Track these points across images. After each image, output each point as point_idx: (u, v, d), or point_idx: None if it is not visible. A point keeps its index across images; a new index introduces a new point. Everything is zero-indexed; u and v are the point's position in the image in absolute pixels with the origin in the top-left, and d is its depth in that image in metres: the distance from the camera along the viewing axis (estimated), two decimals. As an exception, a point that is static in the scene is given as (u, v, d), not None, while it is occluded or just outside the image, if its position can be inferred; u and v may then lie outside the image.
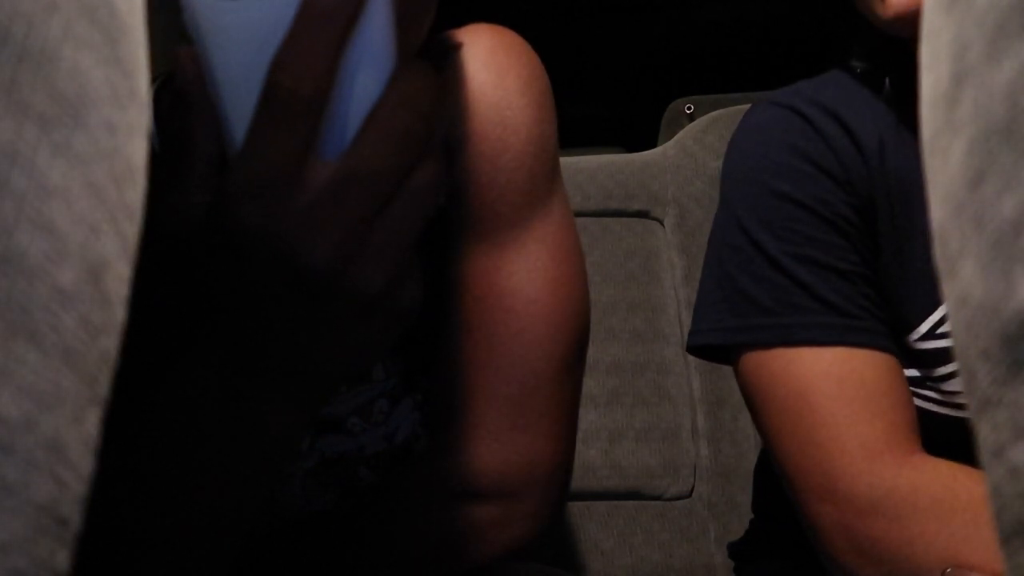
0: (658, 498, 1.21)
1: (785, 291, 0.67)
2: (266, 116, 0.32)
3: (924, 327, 0.68)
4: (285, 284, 0.34)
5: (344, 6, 0.32)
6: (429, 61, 0.35)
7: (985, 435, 0.18)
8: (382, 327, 0.36)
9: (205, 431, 0.39)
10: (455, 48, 0.58)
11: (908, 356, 0.69)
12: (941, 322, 0.67)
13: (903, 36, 0.63)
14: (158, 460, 0.40)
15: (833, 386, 0.64)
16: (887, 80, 0.69)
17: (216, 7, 0.32)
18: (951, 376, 0.68)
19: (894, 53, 0.68)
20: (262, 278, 0.34)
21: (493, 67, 0.57)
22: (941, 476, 0.61)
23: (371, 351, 0.38)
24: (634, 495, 1.21)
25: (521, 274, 0.57)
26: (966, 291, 0.18)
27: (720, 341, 0.71)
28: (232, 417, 0.38)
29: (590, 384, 1.23)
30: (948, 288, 0.19)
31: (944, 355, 0.68)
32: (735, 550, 0.98)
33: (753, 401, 0.70)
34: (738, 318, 0.70)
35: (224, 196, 0.33)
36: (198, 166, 0.37)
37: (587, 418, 1.21)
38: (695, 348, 0.75)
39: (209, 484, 0.40)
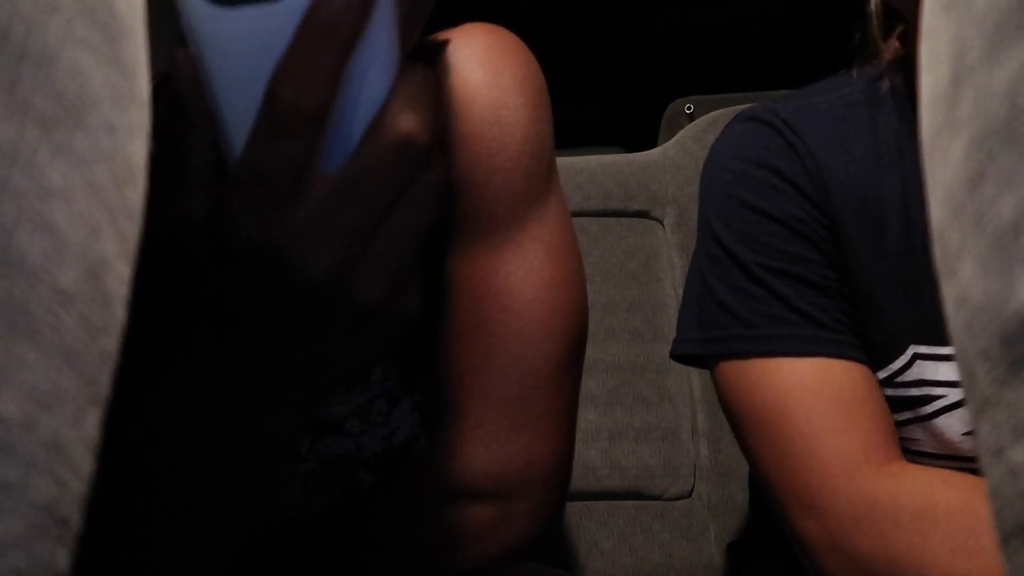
0: (658, 498, 1.21)
1: (762, 302, 0.67)
2: (266, 128, 0.32)
3: (883, 374, 0.68)
4: (283, 294, 0.34)
5: (349, 17, 0.31)
6: (424, 61, 0.35)
7: (985, 435, 0.18)
8: (381, 335, 0.36)
9: (203, 434, 0.39)
10: (450, 48, 0.58)
11: None
12: (902, 371, 0.67)
13: None
14: (157, 462, 0.40)
15: (809, 397, 0.64)
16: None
17: (215, 15, 0.31)
18: (902, 425, 0.68)
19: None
20: (260, 288, 0.34)
21: (489, 67, 0.57)
22: (919, 486, 0.61)
23: (369, 357, 0.38)
24: (634, 495, 1.21)
25: (519, 274, 0.57)
26: (966, 291, 0.18)
27: (699, 351, 0.72)
28: (230, 421, 0.38)
29: (590, 384, 1.23)
30: (948, 288, 0.19)
31: (900, 403, 0.68)
32: (735, 550, 0.98)
33: (731, 412, 0.70)
34: (716, 329, 0.70)
35: (222, 205, 0.33)
36: (195, 172, 0.37)
37: (587, 418, 1.21)
38: (678, 356, 0.75)
39: (207, 486, 0.40)
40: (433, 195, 0.34)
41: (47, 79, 0.18)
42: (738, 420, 0.69)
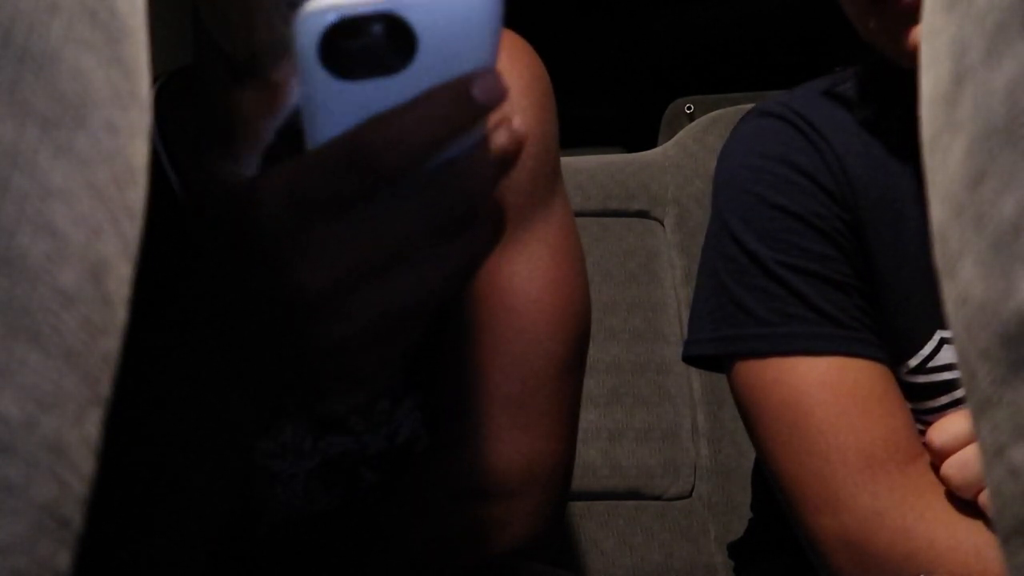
0: (658, 498, 1.21)
1: (780, 301, 0.67)
2: (333, 155, 0.30)
3: (914, 362, 0.68)
4: (268, 295, 0.33)
5: (480, 118, 0.30)
6: None
7: (985, 435, 0.18)
8: (341, 375, 0.35)
9: (167, 416, 0.39)
10: None
11: (900, 388, 0.69)
12: (931, 356, 0.67)
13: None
14: (141, 456, 0.40)
15: (828, 395, 0.64)
16: (887, 114, 0.68)
17: (336, 87, 0.30)
18: (941, 410, 0.68)
19: (892, 83, 0.67)
20: (246, 283, 0.34)
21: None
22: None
23: (332, 387, 0.36)
24: (634, 495, 1.21)
25: (523, 274, 0.57)
26: (966, 291, 0.18)
27: (715, 351, 0.71)
28: (190, 407, 0.38)
29: (590, 384, 1.23)
30: (948, 288, 0.19)
31: (934, 389, 0.68)
32: (735, 550, 0.98)
33: (748, 412, 0.69)
34: (733, 328, 0.69)
35: (254, 193, 0.32)
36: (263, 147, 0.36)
37: (587, 418, 1.21)
38: (691, 358, 0.75)
39: (175, 476, 0.40)
40: (463, 266, 0.32)
41: (48, 80, 0.18)
42: (754, 419, 0.68)
